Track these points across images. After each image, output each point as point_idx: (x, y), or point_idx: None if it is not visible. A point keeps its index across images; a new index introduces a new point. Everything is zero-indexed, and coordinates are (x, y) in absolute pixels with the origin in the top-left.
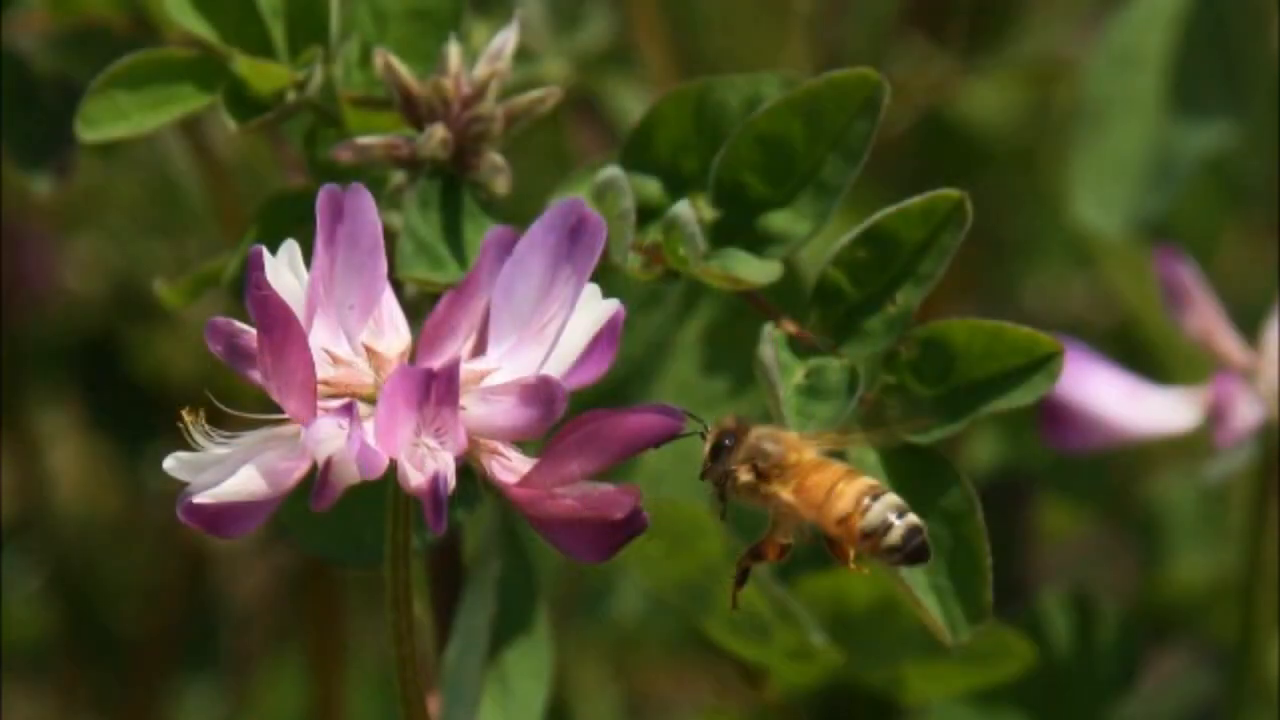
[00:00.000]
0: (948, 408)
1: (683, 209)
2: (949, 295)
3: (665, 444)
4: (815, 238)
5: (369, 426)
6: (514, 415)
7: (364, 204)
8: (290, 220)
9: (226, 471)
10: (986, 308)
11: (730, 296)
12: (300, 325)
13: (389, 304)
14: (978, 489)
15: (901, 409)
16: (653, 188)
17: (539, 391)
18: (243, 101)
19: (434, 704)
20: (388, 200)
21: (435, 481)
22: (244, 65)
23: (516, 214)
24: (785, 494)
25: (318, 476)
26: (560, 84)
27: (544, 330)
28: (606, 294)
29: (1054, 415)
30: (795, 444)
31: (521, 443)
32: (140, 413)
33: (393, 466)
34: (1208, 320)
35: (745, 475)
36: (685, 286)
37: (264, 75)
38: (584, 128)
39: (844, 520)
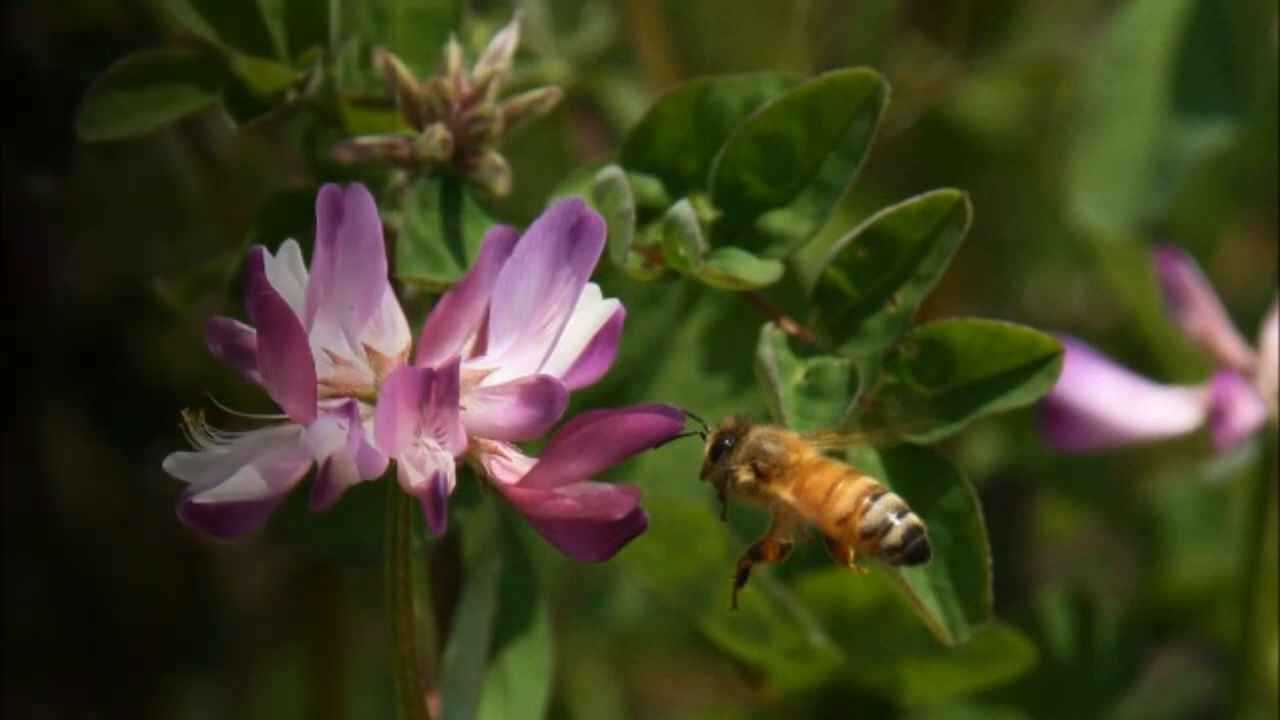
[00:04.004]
0: (948, 408)
1: (683, 209)
2: (949, 295)
3: (665, 444)
4: (815, 238)
5: (369, 426)
6: (514, 415)
7: (364, 204)
8: (290, 220)
9: (226, 471)
10: (986, 308)
11: (730, 296)
12: (300, 325)
13: (389, 304)
14: (978, 489)
15: (901, 409)
16: (653, 188)
17: (539, 391)
18: (243, 101)
19: (434, 704)
20: (388, 200)
21: (435, 481)
22: (244, 65)
23: (516, 214)
24: (785, 494)
25: (318, 476)
26: (560, 84)
27: (544, 330)
28: (606, 294)
29: (1054, 415)
30: (795, 444)
31: (521, 443)
32: (141, 413)
33: (393, 466)
34: (1208, 320)
35: (745, 475)
36: (685, 286)
37: (264, 75)
38: (584, 128)
39: (844, 520)
